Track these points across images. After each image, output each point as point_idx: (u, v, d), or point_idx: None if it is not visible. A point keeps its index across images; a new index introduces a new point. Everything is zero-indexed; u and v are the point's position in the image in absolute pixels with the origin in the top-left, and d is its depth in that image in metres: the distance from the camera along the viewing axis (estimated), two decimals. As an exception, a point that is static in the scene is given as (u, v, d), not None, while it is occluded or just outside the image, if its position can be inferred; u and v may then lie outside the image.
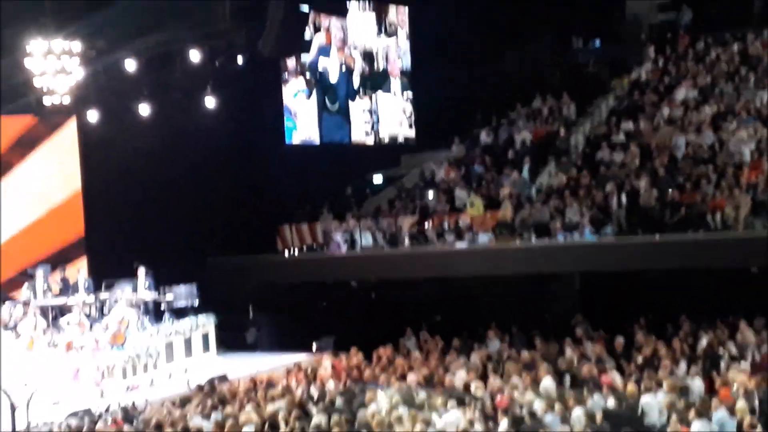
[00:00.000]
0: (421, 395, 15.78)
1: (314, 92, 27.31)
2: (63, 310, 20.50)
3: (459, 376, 17.01)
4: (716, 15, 31.13)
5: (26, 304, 20.27)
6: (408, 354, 20.14)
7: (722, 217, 20.55)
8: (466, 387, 16.07)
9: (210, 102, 22.79)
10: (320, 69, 27.59)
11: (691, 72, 27.77)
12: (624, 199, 22.12)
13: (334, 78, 28.19)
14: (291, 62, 26.50)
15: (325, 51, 27.63)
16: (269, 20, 21.35)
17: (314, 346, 22.51)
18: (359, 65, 28.71)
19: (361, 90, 28.87)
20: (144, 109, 22.13)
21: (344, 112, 28.62)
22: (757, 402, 13.85)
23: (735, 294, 21.21)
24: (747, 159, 22.25)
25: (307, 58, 26.94)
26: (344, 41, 28.07)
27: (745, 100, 25.06)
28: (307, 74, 27.06)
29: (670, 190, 21.85)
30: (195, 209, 23.13)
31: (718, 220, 20.62)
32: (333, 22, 27.34)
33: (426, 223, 24.19)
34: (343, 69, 28.45)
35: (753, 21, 30.41)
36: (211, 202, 23.53)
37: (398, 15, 29.74)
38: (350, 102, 28.67)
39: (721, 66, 27.51)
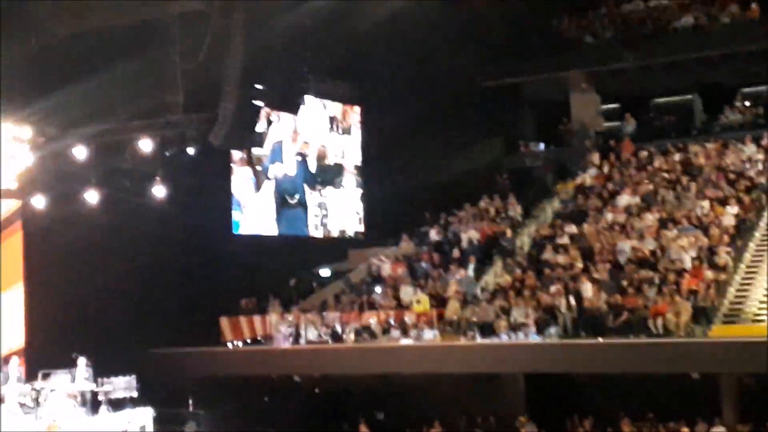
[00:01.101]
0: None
1: (264, 184, 27.39)
2: (-1, 400, 19.91)
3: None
4: (659, 125, 32.15)
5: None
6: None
7: (663, 322, 20.82)
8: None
9: (159, 191, 22.70)
10: (274, 164, 27.87)
11: (634, 179, 28.42)
12: (570, 301, 22.32)
13: (291, 170, 28.48)
14: (239, 154, 26.61)
15: (278, 147, 27.96)
16: (221, 112, 21.46)
17: (255, 442, 22.13)
18: (314, 153, 29.00)
19: (314, 183, 29.11)
20: (92, 197, 21.96)
21: (303, 204, 28.84)
22: None
23: (676, 399, 21.44)
24: (688, 266, 22.67)
25: (260, 151, 27.16)
26: (297, 133, 28.35)
27: (686, 209, 25.64)
28: (258, 167, 27.17)
29: (612, 293, 22.11)
30: (139, 299, 22.87)
31: (659, 325, 20.88)
32: (286, 118, 27.61)
33: (371, 319, 24.15)
34: (299, 159, 28.76)
35: (695, 132, 31.43)
36: (155, 293, 23.28)
37: (350, 114, 30.16)
38: (308, 192, 28.96)
39: (663, 174, 28.20)
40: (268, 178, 27.76)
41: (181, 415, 23.41)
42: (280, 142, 28.09)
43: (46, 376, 20.21)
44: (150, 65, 21.26)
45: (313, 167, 29.05)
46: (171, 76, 21.67)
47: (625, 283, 22.54)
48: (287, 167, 28.43)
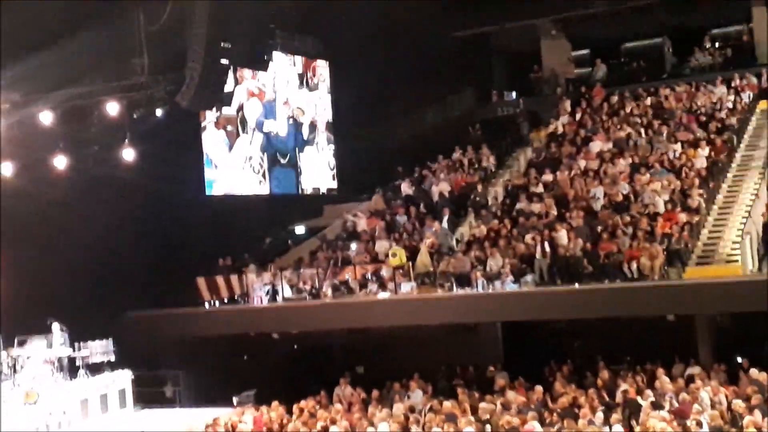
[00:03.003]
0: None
1: (237, 144, 27.25)
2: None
3: (381, 428, 16.91)
4: (630, 69, 32.12)
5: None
6: (330, 406, 19.94)
7: (638, 266, 20.93)
8: (389, 439, 15.99)
9: (128, 154, 22.50)
10: (268, 120, 27.84)
11: (606, 125, 28.43)
12: (545, 248, 22.37)
13: (283, 131, 28.53)
14: (215, 114, 26.44)
15: (271, 105, 27.88)
16: (188, 73, 21.23)
17: (235, 400, 22.16)
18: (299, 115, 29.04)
19: (303, 146, 29.22)
20: (60, 162, 21.74)
21: (294, 165, 28.96)
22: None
23: (653, 342, 21.64)
24: (661, 209, 22.76)
25: (253, 108, 27.17)
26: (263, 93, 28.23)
27: (659, 153, 25.71)
28: (229, 127, 27.02)
29: (587, 240, 22.20)
30: (113, 263, 22.71)
31: (634, 269, 20.99)
32: (260, 76, 27.47)
33: (348, 274, 24.15)
34: (291, 122, 28.68)
35: (665, 75, 31.44)
36: (129, 256, 23.13)
37: (319, 69, 29.95)
38: (299, 153, 29.09)
39: (635, 119, 28.22)
40: (263, 133, 27.79)
41: (160, 376, 23.46)
42: (273, 100, 28.02)
43: (21, 343, 20.16)
44: (115, 28, 20.99)
45: (306, 132, 29.04)
46: (136, 38, 21.43)
47: (599, 229, 22.61)
48: (279, 126, 28.38)
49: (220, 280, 24.71)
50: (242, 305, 24.44)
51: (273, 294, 24.27)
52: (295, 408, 19.71)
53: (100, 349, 21.21)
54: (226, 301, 24.59)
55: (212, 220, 25.51)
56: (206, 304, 24.52)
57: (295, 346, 25.65)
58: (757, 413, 15.38)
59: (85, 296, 21.73)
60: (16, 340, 20.29)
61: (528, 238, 22.97)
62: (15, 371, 19.96)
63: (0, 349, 19.90)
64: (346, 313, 23.25)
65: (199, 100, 21.97)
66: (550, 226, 23.04)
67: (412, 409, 18.68)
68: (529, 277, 21.91)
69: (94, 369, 21.22)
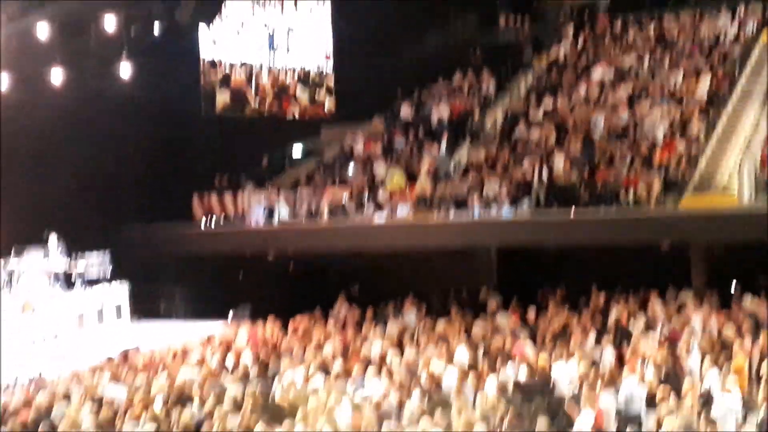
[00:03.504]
0: (337, 366, 15.80)
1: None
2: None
3: (375, 347, 17.07)
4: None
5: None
6: (324, 324, 20.11)
7: (635, 194, 20.95)
8: (382, 358, 16.15)
9: (126, 69, 22.33)
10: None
11: (608, 52, 28.18)
12: (542, 175, 22.34)
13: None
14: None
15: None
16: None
17: (230, 316, 22.35)
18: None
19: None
20: (57, 75, 21.57)
21: None
22: (665, 372, 14.20)
23: (646, 269, 21.76)
24: (660, 138, 22.70)
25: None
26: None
27: (660, 81, 25.54)
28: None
29: (585, 168, 22.17)
30: (110, 177, 22.72)
31: (631, 197, 21.02)
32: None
33: (345, 196, 24.14)
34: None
35: (669, 2, 31.00)
36: (127, 170, 23.13)
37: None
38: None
39: (637, 47, 27.97)
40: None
41: (156, 290, 23.63)
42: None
43: (18, 254, 20.26)
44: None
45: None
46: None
47: (597, 156, 22.56)
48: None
49: (216, 198, 24.72)
50: (238, 225, 24.48)
51: (269, 215, 24.29)
52: (289, 325, 19.88)
53: (96, 262, 21.34)
54: (221, 219, 24.62)
55: (210, 138, 25.43)
56: (202, 222, 24.57)
57: (291, 266, 25.77)
58: (747, 340, 15.56)
59: (82, 210, 21.75)
60: (12, 252, 20.40)
61: (525, 164, 22.94)
62: (12, 282, 20.11)
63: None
64: (342, 236, 23.29)
65: (197, 15, 21.77)
66: (548, 153, 22.98)
67: (405, 330, 18.85)
68: (525, 204, 21.94)
69: (91, 282, 21.36)
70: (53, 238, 20.53)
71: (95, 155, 22.27)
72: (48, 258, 20.49)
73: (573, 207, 21.18)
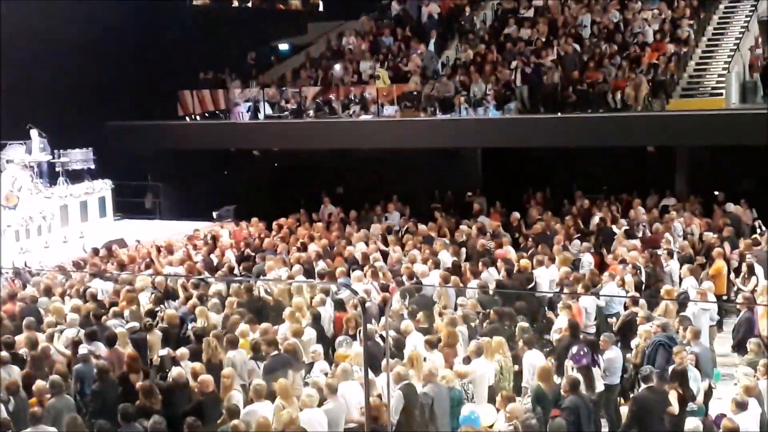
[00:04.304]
0: (321, 265, 15.89)
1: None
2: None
3: (359, 248, 17.13)
4: None
5: None
6: (309, 224, 20.15)
7: (622, 96, 20.82)
8: (365, 258, 16.22)
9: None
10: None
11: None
12: (530, 75, 22.11)
13: None
14: None
15: None
16: None
17: (215, 214, 22.35)
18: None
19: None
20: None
21: None
22: (645, 276, 14.35)
23: (630, 172, 21.82)
24: (650, 40, 22.46)
25: None
26: None
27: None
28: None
29: (573, 68, 21.94)
30: (94, 73, 22.37)
31: (618, 99, 20.90)
32: None
33: (331, 94, 23.88)
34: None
35: None
36: (111, 66, 22.74)
37: None
38: None
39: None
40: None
41: (140, 187, 23.56)
42: None
43: (0, 147, 20.08)
44: None
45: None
46: None
47: (586, 57, 22.34)
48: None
49: (201, 94, 24.45)
50: (223, 120, 24.28)
51: (254, 111, 24.06)
52: (274, 224, 19.89)
53: (80, 157, 21.21)
54: (207, 115, 24.41)
55: (195, 32, 24.99)
56: (187, 118, 24.36)
57: (276, 164, 25.68)
58: (727, 245, 15.70)
59: (66, 105, 21.49)
60: (-6, 145, 20.23)
61: (513, 64, 22.68)
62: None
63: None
64: (327, 133, 23.09)
65: None
66: (537, 53, 22.73)
67: (389, 230, 18.89)
68: (512, 105, 21.79)
69: (75, 177, 21.25)
70: (35, 131, 20.31)
71: (79, 50, 21.90)
72: (30, 152, 20.31)
73: (559, 110, 21.07)
